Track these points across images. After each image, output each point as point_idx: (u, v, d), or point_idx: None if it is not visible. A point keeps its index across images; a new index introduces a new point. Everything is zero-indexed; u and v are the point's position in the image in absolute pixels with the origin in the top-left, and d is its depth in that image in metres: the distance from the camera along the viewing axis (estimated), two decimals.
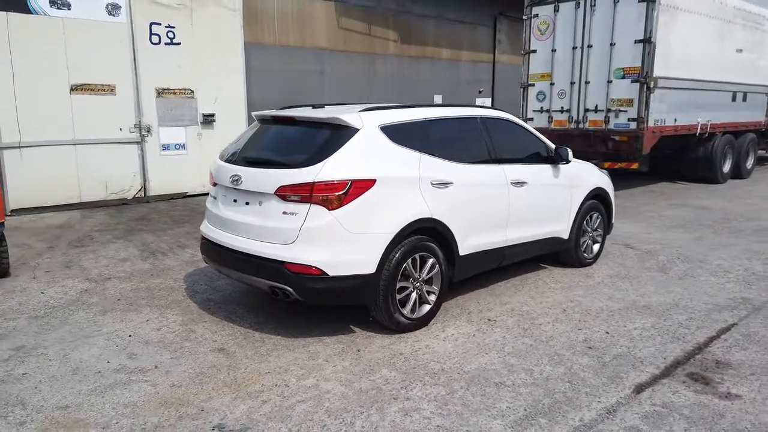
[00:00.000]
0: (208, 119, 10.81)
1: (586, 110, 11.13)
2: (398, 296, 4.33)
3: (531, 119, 12.04)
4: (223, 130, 10.72)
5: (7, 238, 5.94)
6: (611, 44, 10.59)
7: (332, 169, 4.01)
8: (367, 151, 4.23)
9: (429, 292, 4.59)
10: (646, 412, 3.32)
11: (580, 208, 6.00)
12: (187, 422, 3.19)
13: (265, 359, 3.99)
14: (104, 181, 9.82)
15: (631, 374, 3.79)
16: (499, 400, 3.45)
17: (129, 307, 4.99)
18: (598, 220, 6.36)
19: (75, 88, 9.38)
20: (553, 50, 11.46)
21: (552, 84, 11.59)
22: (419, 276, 4.47)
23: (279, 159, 4.40)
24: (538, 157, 5.68)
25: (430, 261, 4.52)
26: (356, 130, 4.23)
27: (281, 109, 5.22)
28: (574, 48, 11.12)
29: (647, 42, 10.14)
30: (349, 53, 13.19)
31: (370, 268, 4.11)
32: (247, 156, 4.56)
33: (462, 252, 4.78)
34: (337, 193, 3.97)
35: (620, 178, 12.72)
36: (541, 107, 11.85)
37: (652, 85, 10.25)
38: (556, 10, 11.33)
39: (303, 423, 3.19)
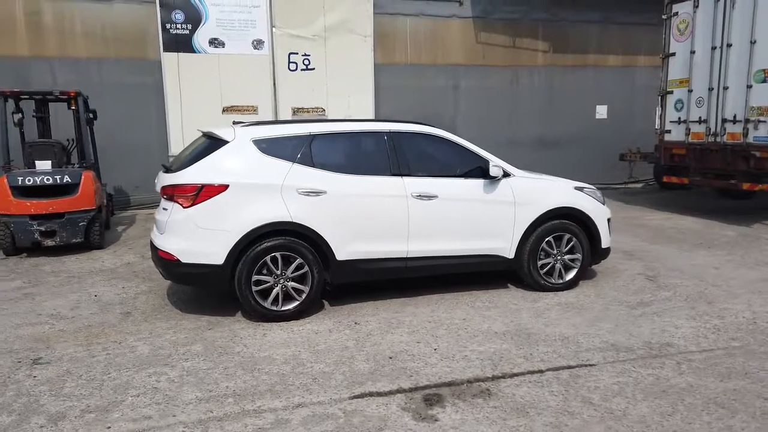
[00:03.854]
0: None
1: (724, 121, 9.45)
2: (256, 288, 4.95)
3: (668, 131, 10.65)
4: None
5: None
6: (751, 42, 8.85)
7: (190, 174, 4.90)
8: (230, 160, 4.99)
9: (299, 291, 5.08)
10: (311, 414, 3.44)
11: (531, 227, 5.64)
12: (29, 352, 4.44)
13: (140, 324, 5.04)
14: None
15: (380, 384, 3.83)
16: (234, 380, 3.92)
17: (128, 278, 6.54)
18: (571, 244, 5.81)
19: (226, 109, 11.71)
20: (692, 52, 9.99)
21: (690, 91, 10.09)
22: (283, 273, 5.00)
23: (171, 165, 5.41)
24: (470, 172, 5.56)
25: (297, 261, 5.02)
26: (226, 142, 5.02)
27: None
28: (713, 48, 9.56)
29: None
30: (488, 67, 13.31)
31: (218, 259, 4.85)
32: (165, 163, 5.69)
33: (340, 257, 5.13)
34: (189, 194, 4.83)
35: None
36: (679, 118, 10.38)
37: None
38: (695, 6, 9.87)
39: (86, 366, 4.17)
